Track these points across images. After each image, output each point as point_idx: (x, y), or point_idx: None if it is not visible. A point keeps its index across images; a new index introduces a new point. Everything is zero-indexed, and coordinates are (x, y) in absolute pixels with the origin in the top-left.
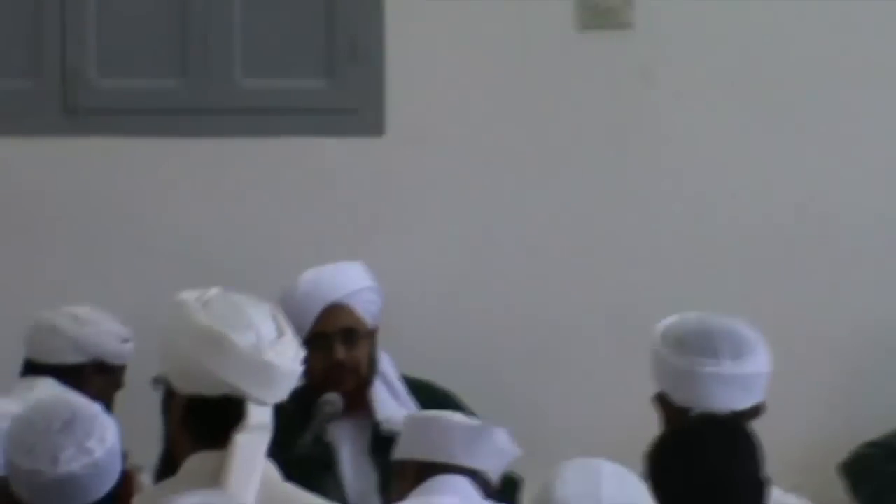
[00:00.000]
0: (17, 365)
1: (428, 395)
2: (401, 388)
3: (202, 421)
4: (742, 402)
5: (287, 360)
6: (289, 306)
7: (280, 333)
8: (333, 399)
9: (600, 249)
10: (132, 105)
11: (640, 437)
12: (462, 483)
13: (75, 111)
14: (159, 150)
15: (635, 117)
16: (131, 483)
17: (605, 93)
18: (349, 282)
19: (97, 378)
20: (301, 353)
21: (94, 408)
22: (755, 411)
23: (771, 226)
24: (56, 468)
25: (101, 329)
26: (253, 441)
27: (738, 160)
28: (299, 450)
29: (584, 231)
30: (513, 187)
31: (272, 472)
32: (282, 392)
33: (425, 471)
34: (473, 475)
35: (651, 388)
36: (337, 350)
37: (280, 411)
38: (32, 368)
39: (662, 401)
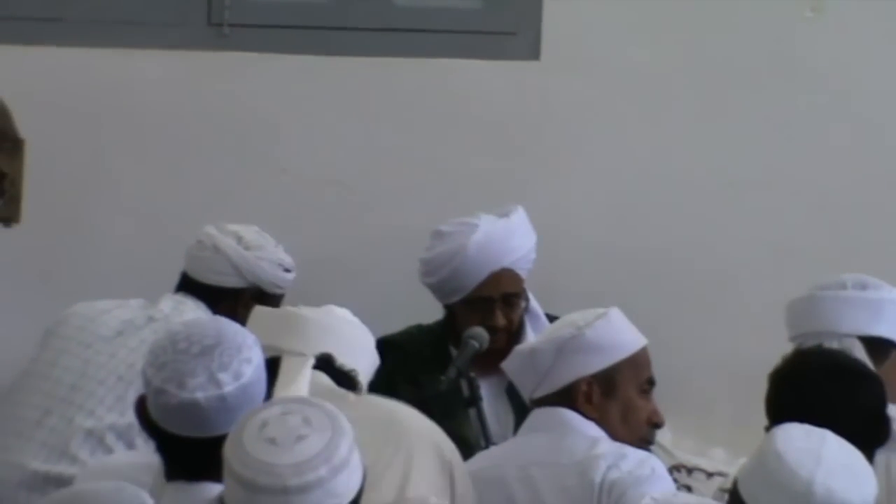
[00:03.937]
0: (159, 277)
1: None
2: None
3: None
4: (870, 327)
5: None
6: (454, 264)
7: None
8: (479, 332)
9: (763, 182)
10: (280, 20)
11: None
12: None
13: (220, 25)
14: (306, 67)
15: (800, 46)
16: None
17: (771, 19)
18: (519, 247)
19: (253, 305)
20: None
21: (245, 339)
22: None
23: None
24: (181, 392)
25: (264, 255)
26: None
27: None
28: (442, 385)
29: (747, 162)
30: (673, 118)
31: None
32: None
33: None
34: None
35: None
36: (497, 316)
37: (417, 350)
38: (189, 284)
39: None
